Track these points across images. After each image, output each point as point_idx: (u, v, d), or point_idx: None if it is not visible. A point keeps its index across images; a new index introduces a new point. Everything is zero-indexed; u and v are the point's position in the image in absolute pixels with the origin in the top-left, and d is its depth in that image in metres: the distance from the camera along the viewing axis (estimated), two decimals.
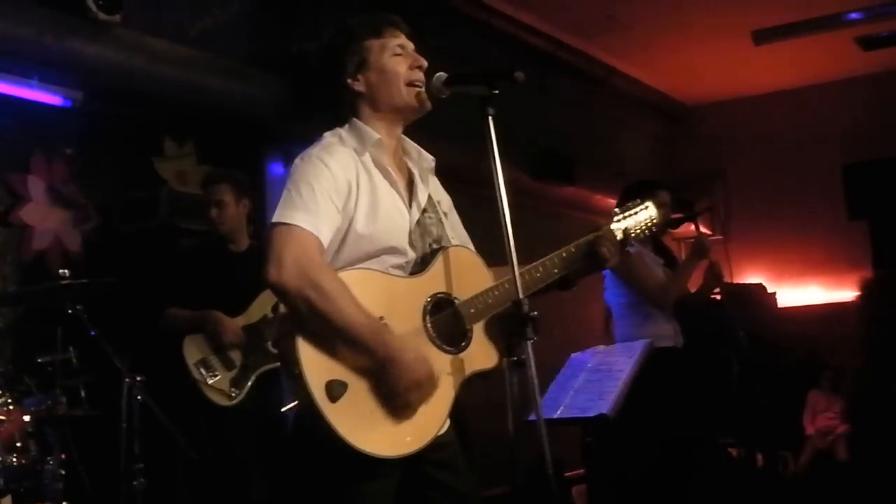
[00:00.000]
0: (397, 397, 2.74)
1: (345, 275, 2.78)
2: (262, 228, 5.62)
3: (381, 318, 2.78)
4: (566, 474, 7.82)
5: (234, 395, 5.25)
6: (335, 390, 2.65)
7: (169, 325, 5.34)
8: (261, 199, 6.15)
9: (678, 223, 6.70)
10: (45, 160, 6.00)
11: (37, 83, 5.55)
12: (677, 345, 6.01)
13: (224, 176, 5.61)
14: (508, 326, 2.70)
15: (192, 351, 5.26)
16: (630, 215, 3.39)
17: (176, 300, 5.36)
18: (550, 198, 9.68)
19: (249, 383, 5.29)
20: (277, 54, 7.01)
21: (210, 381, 5.21)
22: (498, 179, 2.79)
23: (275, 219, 2.78)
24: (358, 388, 2.70)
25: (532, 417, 2.69)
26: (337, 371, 2.69)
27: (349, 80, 3.03)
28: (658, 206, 5.21)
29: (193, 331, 5.29)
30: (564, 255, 3.18)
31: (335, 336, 2.70)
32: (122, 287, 5.16)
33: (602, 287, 6.19)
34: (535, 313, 2.66)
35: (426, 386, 2.77)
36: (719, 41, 10.26)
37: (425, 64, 3.06)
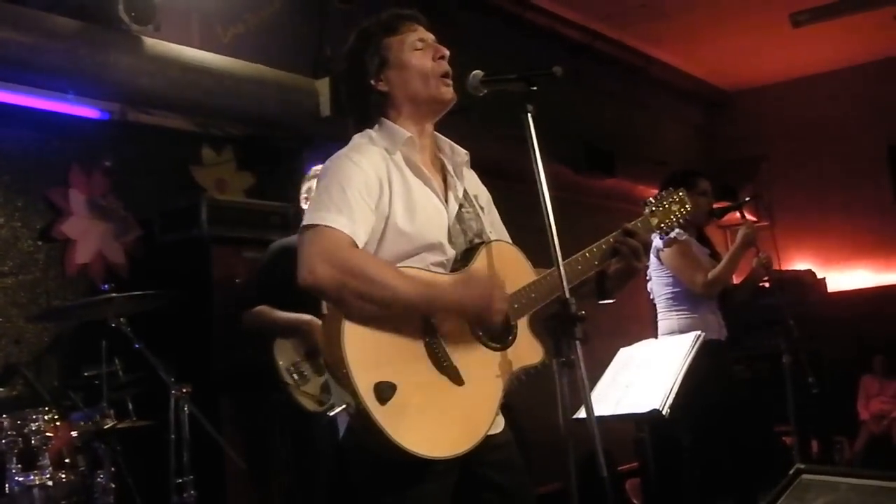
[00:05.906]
0: (484, 325, 2.80)
1: None
2: None
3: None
4: (619, 468, 7.77)
5: (325, 400, 5.16)
6: (384, 392, 2.60)
7: (256, 323, 5.20)
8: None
9: (724, 212, 6.59)
10: (85, 173, 6.01)
11: (73, 97, 5.56)
12: (721, 337, 5.93)
13: None
14: (555, 326, 2.64)
15: (284, 355, 5.15)
16: (663, 205, 3.31)
17: (265, 299, 5.23)
18: (593, 190, 9.60)
19: None
20: (311, 58, 7.00)
21: (302, 386, 5.15)
22: (540, 178, 2.72)
23: (304, 221, 2.74)
24: (407, 389, 2.65)
25: (582, 415, 2.64)
26: (385, 371, 2.63)
27: (372, 82, 2.99)
28: (697, 194, 5.11)
29: (283, 335, 5.22)
30: (604, 246, 3.10)
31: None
32: (167, 299, 5.14)
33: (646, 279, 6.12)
34: (584, 312, 2.60)
35: (500, 301, 2.77)
36: (757, 25, 10.16)
37: (447, 53, 3.02)
